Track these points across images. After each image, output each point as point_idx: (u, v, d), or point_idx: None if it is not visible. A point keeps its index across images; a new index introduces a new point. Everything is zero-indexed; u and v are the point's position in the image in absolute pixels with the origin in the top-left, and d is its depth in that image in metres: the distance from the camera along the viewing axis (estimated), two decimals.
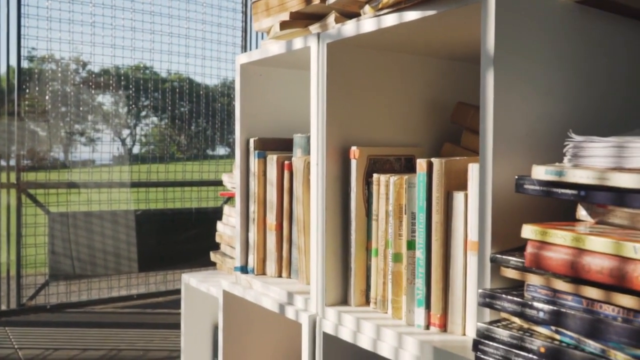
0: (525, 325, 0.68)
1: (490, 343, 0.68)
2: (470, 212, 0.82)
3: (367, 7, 0.93)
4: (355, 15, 1.01)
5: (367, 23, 0.92)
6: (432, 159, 0.86)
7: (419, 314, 0.89)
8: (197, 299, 1.60)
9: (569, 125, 0.83)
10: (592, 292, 0.59)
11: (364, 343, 0.93)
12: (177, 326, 2.89)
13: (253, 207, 1.26)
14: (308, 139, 1.15)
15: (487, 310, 0.74)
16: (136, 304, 3.57)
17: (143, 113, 4.60)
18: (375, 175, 0.98)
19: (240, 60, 1.28)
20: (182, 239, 3.88)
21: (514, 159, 0.76)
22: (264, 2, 1.21)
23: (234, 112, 1.29)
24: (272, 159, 1.21)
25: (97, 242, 3.64)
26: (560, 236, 0.61)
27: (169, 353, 2.63)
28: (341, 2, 1.00)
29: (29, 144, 3.55)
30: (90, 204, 3.64)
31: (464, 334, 0.84)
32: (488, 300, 0.70)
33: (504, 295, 0.68)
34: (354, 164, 1.00)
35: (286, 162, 1.19)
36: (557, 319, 0.62)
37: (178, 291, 3.60)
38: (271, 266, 1.23)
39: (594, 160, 0.64)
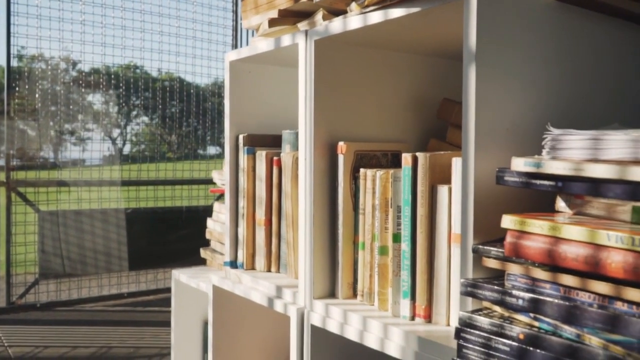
0: (506, 314, 0.70)
1: (472, 331, 0.69)
2: (454, 206, 0.84)
3: (353, 5, 0.95)
4: (343, 12, 1.03)
5: (354, 20, 0.94)
6: (417, 154, 0.88)
7: (405, 305, 0.91)
8: (187, 295, 1.61)
9: (551, 120, 0.85)
10: (568, 280, 0.61)
11: (351, 334, 0.94)
12: (167, 324, 2.90)
13: (242, 203, 1.27)
14: (296, 135, 1.16)
15: (469, 300, 0.76)
16: (127, 302, 3.58)
17: (134, 112, 4.60)
18: (362, 170, 0.99)
19: (230, 57, 1.30)
20: (173, 237, 3.88)
21: (496, 152, 0.78)
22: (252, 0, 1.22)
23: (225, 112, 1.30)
24: (261, 155, 1.23)
25: (87, 240, 3.63)
26: (538, 225, 0.63)
27: (159, 350, 2.64)
28: None
29: (19, 143, 3.54)
30: (81, 203, 3.63)
31: (448, 324, 0.86)
32: (470, 290, 0.72)
33: (485, 285, 0.70)
34: (341, 159, 1.02)
35: (275, 158, 1.21)
36: (535, 307, 0.64)
37: (168, 289, 3.60)
38: (260, 261, 1.25)
39: (571, 152, 0.66)
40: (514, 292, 0.67)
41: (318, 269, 1.04)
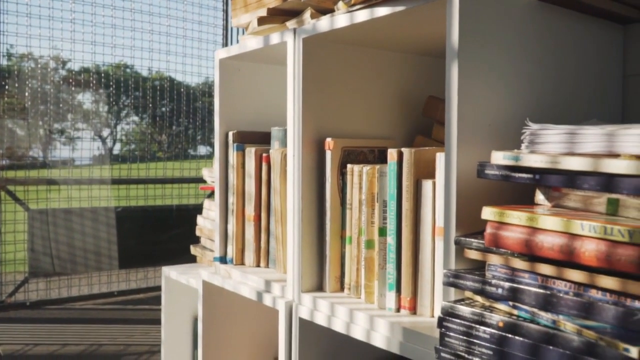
0: (487, 303, 0.72)
1: (454, 320, 0.72)
2: (439, 200, 0.86)
3: (340, 3, 0.97)
4: (330, 11, 1.05)
5: (341, 19, 0.96)
6: (403, 149, 0.90)
7: (390, 297, 0.93)
8: (177, 292, 1.63)
9: (532, 116, 0.88)
10: (545, 269, 0.64)
11: (338, 327, 0.96)
12: (158, 322, 2.91)
13: (232, 199, 1.29)
14: (285, 131, 1.18)
15: (452, 290, 0.78)
16: (117, 300, 3.58)
17: (124, 112, 4.60)
18: (349, 166, 1.01)
19: (219, 55, 1.31)
20: (163, 236, 3.88)
21: (478, 147, 0.80)
22: None
23: None
24: (251, 151, 1.25)
25: (77, 239, 3.63)
26: (516, 216, 0.65)
27: (149, 347, 2.65)
28: None
29: (8, 142, 3.53)
30: (71, 201, 3.63)
31: (433, 316, 0.89)
32: (452, 280, 0.74)
33: (467, 275, 0.73)
34: (328, 155, 1.04)
35: (264, 155, 1.23)
36: (514, 295, 0.66)
37: (159, 288, 3.60)
38: (250, 256, 1.27)
39: (549, 146, 0.68)
40: (494, 281, 0.69)
41: (306, 263, 1.06)
